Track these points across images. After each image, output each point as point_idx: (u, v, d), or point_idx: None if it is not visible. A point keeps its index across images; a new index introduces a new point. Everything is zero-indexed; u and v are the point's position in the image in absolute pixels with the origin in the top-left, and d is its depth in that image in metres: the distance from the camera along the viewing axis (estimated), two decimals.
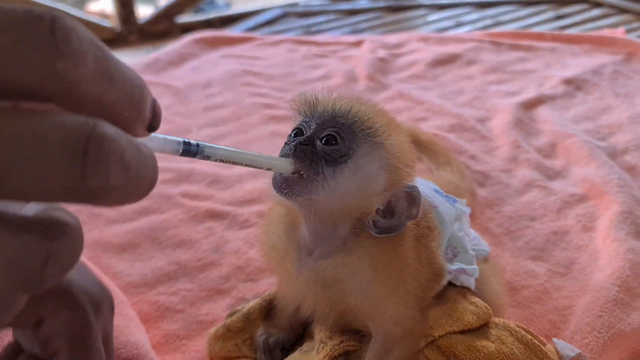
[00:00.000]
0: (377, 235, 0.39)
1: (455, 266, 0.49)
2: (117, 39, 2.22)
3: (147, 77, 1.11)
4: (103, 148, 0.18)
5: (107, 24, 2.39)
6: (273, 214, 0.46)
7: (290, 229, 0.43)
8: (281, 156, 0.37)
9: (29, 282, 0.19)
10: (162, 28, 2.27)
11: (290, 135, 0.40)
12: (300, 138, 0.38)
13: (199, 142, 0.29)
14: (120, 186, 0.19)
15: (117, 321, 0.52)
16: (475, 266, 0.51)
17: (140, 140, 0.22)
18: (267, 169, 0.34)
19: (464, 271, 0.50)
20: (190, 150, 0.29)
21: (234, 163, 0.31)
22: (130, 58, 1.37)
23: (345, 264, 0.41)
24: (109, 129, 0.19)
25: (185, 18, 2.44)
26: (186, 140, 0.28)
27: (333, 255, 0.41)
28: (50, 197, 0.19)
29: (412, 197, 0.39)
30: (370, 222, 0.39)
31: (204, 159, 0.30)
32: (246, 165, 0.32)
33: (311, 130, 0.38)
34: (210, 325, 0.57)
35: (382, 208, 0.39)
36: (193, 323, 0.59)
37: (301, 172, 0.37)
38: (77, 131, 0.18)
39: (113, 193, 0.19)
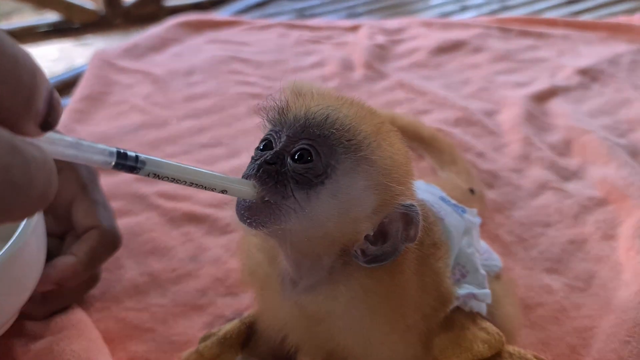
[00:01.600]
0: (366, 265, 0.33)
1: (464, 290, 0.44)
2: (101, 23, 2.13)
3: (124, 64, 1.03)
4: None
5: (91, 6, 2.26)
6: (249, 237, 0.39)
7: (269, 254, 0.37)
8: (244, 177, 0.31)
9: None
10: (149, 11, 2.18)
11: (257, 148, 0.33)
12: (267, 154, 0.31)
13: (139, 155, 0.24)
14: None
15: (77, 343, 0.48)
16: (487, 290, 0.45)
17: (38, 142, 0.18)
18: (221, 192, 0.27)
19: (474, 296, 0.44)
20: (125, 165, 0.23)
21: (182, 183, 0.25)
22: (116, 43, 1.29)
23: (333, 297, 0.35)
24: None
25: (173, 0, 2.36)
26: (122, 150, 0.23)
27: (318, 287, 0.35)
28: None
29: (409, 218, 0.32)
30: (358, 251, 0.33)
31: (147, 176, 0.25)
32: (197, 186, 0.25)
33: (281, 144, 0.32)
34: (183, 347, 0.51)
35: (372, 233, 0.33)
36: (164, 344, 0.53)
37: (266, 199, 0.30)
38: None
39: None
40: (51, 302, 0.50)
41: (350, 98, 0.35)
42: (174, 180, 0.26)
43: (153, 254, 0.64)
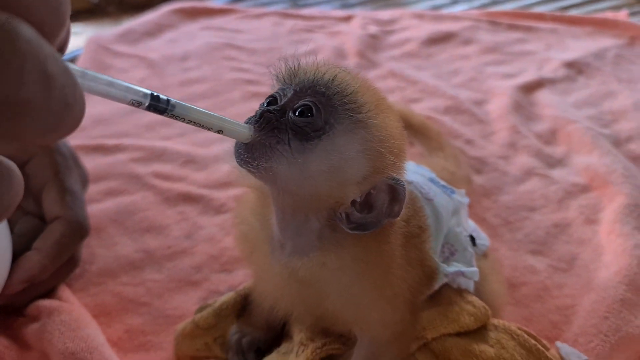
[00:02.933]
0: (349, 230, 0.34)
1: (452, 268, 0.45)
2: (94, 10, 2.09)
3: (120, 48, 1.03)
4: (17, 47, 0.14)
5: None
6: (245, 201, 0.40)
7: (262, 217, 0.38)
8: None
9: None
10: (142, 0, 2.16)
11: (262, 104, 0.34)
12: (270, 106, 0.33)
13: (170, 99, 0.26)
14: (39, 105, 0.15)
15: (66, 314, 0.48)
16: (475, 268, 0.46)
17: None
18: (218, 132, 0.28)
19: (462, 274, 0.45)
20: (158, 107, 0.25)
21: (196, 124, 0.27)
22: (109, 31, 1.29)
23: (322, 263, 0.35)
24: (28, 30, 0.15)
25: None
26: (155, 93, 0.25)
27: (309, 253, 0.36)
28: None
29: (396, 191, 0.33)
30: (343, 215, 0.34)
31: (172, 117, 0.26)
32: (200, 125, 0.27)
33: (286, 99, 0.33)
34: (178, 320, 0.52)
35: (359, 200, 0.33)
36: (160, 317, 0.54)
37: (262, 140, 0.31)
38: None
39: (29, 112, 0.15)
40: (29, 291, 0.50)
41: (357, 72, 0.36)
42: (191, 122, 0.27)
43: (148, 232, 0.64)
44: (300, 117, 0.32)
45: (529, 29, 1.20)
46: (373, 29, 1.18)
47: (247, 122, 0.32)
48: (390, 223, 0.36)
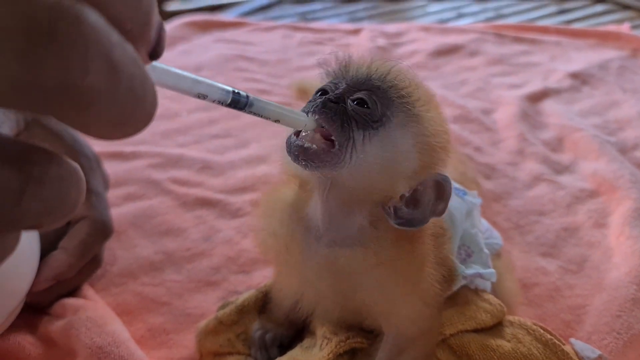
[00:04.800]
0: (396, 225, 0.34)
1: (471, 270, 0.46)
2: None
3: None
4: (81, 32, 0.13)
5: None
6: (274, 196, 0.40)
7: (296, 210, 0.38)
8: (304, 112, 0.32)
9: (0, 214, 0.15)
10: None
11: (314, 94, 0.34)
12: (329, 95, 0.32)
13: (249, 95, 0.26)
14: (105, 94, 0.14)
15: (92, 311, 0.49)
16: (492, 270, 0.47)
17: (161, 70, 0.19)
18: (275, 121, 0.28)
19: (480, 275, 0.46)
20: (239, 101, 0.25)
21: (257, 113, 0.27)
22: None
23: (362, 258, 0.36)
24: (93, 15, 0.14)
25: (174, 5, 2.38)
26: (236, 90, 0.25)
27: (350, 245, 0.36)
28: None
29: (442, 188, 0.33)
30: (392, 209, 0.34)
31: (250, 113, 0.27)
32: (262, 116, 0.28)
33: (340, 90, 0.33)
34: (199, 319, 0.53)
35: (407, 195, 0.33)
36: (180, 316, 0.55)
37: (331, 137, 0.31)
38: (44, 7, 0.13)
39: (95, 101, 0.14)
40: (55, 290, 0.51)
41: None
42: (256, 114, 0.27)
43: (167, 235, 0.66)
44: (360, 106, 0.32)
45: (533, 42, 1.23)
46: (381, 41, 1.20)
47: (305, 111, 0.32)
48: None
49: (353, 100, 0.32)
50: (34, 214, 0.15)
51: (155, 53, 0.18)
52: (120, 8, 0.16)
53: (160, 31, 0.18)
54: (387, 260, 0.36)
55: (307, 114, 0.32)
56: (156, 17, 0.17)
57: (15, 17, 0.13)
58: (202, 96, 0.23)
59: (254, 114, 0.27)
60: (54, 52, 0.13)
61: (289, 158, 0.32)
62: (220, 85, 0.24)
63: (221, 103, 0.25)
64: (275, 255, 0.42)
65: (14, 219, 0.15)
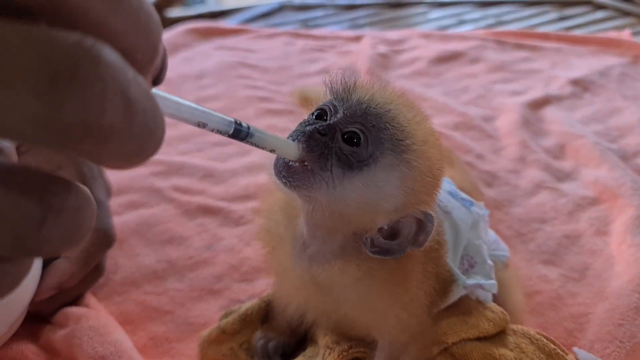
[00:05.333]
0: (371, 254, 0.34)
1: (472, 281, 0.45)
2: None
3: None
4: (100, 73, 0.14)
5: None
6: (273, 197, 0.41)
7: (289, 216, 0.38)
8: (291, 138, 0.32)
9: (21, 243, 0.15)
10: None
11: (311, 114, 0.34)
12: (320, 124, 0.32)
13: (250, 125, 0.26)
14: (121, 129, 0.15)
15: (94, 320, 0.49)
16: (493, 281, 0.47)
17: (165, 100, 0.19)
18: (271, 151, 0.29)
19: (481, 286, 0.46)
20: (241, 131, 0.25)
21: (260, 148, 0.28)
22: None
23: (343, 271, 0.36)
24: (111, 54, 0.14)
25: (175, 12, 2.39)
26: (238, 121, 0.25)
27: (330, 259, 0.36)
28: (16, 133, 0.14)
29: (423, 225, 0.33)
30: (368, 240, 0.34)
31: (249, 143, 0.27)
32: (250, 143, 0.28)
33: (336, 119, 0.33)
34: (201, 328, 0.53)
35: (385, 228, 0.34)
36: (183, 325, 0.55)
37: (306, 163, 0.31)
38: (65, 48, 0.14)
39: (112, 137, 0.14)
40: (57, 298, 0.51)
41: (411, 101, 0.36)
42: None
43: (170, 243, 0.66)
44: (348, 143, 0.32)
45: (534, 48, 1.23)
46: (382, 48, 1.20)
47: (294, 137, 0.32)
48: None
49: (344, 134, 0.32)
50: (53, 242, 0.16)
51: (158, 79, 0.19)
52: (133, 40, 0.16)
53: (164, 57, 0.19)
54: (370, 272, 0.36)
55: (293, 140, 0.32)
56: (162, 45, 0.18)
57: (38, 57, 0.13)
58: (202, 125, 0.23)
59: (252, 144, 0.27)
60: (74, 91, 0.14)
61: (274, 177, 0.32)
62: (222, 115, 0.24)
63: (221, 132, 0.24)
64: (268, 254, 0.43)
65: (34, 247, 0.16)
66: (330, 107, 0.34)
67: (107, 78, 0.14)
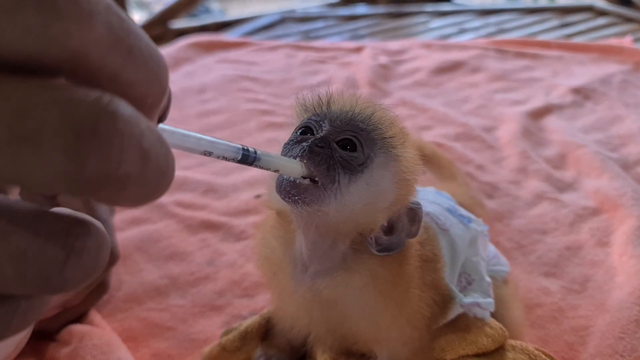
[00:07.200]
0: (377, 253, 0.36)
1: (469, 299, 0.45)
2: None
3: None
4: (117, 128, 0.15)
5: None
6: (266, 224, 0.41)
7: (285, 241, 0.39)
8: (288, 156, 0.33)
9: (46, 283, 0.17)
10: (155, 33, 2.22)
11: (295, 132, 0.35)
12: (314, 139, 0.33)
13: (256, 150, 0.27)
14: (137, 177, 0.16)
15: (98, 338, 0.50)
16: (490, 300, 0.47)
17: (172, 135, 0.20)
18: (275, 171, 0.29)
19: (478, 305, 0.46)
20: (248, 157, 0.26)
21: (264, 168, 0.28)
22: None
23: (346, 283, 0.37)
24: (127, 108, 0.16)
25: (180, 23, 2.41)
26: (245, 147, 0.26)
27: (332, 272, 0.37)
28: (43, 186, 0.15)
29: (414, 213, 0.36)
30: (373, 240, 0.36)
31: (256, 167, 0.27)
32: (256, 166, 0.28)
33: (325, 131, 0.34)
34: (203, 344, 0.53)
35: (384, 224, 0.35)
36: (185, 341, 0.55)
37: (316, 179, 0.32)
38: (86, 107, 0.15)
39: (129, 185, 0.16)
40: (62, 316, 0.52)
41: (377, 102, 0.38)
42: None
43: (172, 259, 0.67)
44: (345, 150, 0.33)
45: (535, 57, 1.23)
46: (383, 59, 1.21)
47: (294, 156, 0.32)
48: (408, 246, 0.38)
49: (338, 143, 0.33)
50: (74, 280, 0.17)
51: (163, 117, 0.20)
52: (145, 88, 0.17)
53: (169, 96, 0.20)
54: (372, 280, 0.37)
55: (294, 157, 0.32)
56: (168, 87, 0.19)
57: (63, 116, 0.15)
58: (207, 153, 0.24)
59: (259, 167, 0.27)
60: (96, 147, 0.15)
61: (277, 196, 0.33)
62: (229, 143, 0.25)
63: (226, 158, 0.25)
64: (269, 280, 0.43)
65: (57, 286, 0.17)
66: (313, 123, 0.35)
67: (124, 132, 0.15)
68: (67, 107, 0.15)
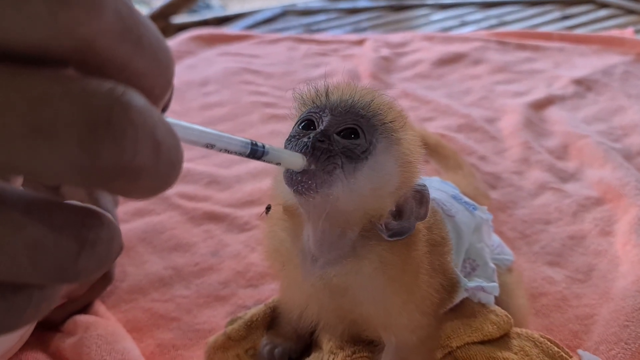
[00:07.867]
0: (389, 239, 0.36)
1: (473, 283, 0.46)
2: None
3: None
4: (131, 119, 0.15)
5: None
6: (273, 217, 0.41)
7: (293, 233, 0.39)
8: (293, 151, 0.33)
9: (60, 273, 0.17)
10: (157, 27, 2.21)
11: (296, 125, 0.35)
12: (315, 133, 0.33)
13: (265, 144, 0.27)
14: (150, 168, 0.16)
15: (102, 329, 0.50)
16: (495, 283, 0.47)
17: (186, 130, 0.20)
18: (277, 164, 0.29)
19: (482, 289, 0.46)
20: (257, 152, 0.26)
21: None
22: None
23: (356, 270, 0.37)
24: (140, 99, 0.16)
25: (181, 18, 2.40)
26: (254, 141, 0.25)
27: (342, 260, 0.37)
28: (57, 177, 0.15)
29: (422, 195, 0.36)
30: (383, 225, 0.35)
31: (264, 161, 0.27)
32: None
33: (325, 123, 0.34)
34: (208, 334, 0.54)
35: (393, 209, 0.35)
36: (189, 332, 0.55)
37: (318, 169, 0.32)
38: (99, 98, 0.15)
39: (141, 176, 0.16)
40: (66, 307, 0.52)
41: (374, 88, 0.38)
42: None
43: (176, 250, 0.67)
44: (347, 139, 0.33)
45: (537, 48, 1.23)
46: (385, 51, 1.21)
47: (292, 148, 0.33)
48: (416, 231, 0.38)
49: (340, 132, 0.34)
50: (87, 271, 0.18)
51: (166, 107, 0.20)
52: (153, 79, 0.17)
53: (172, 87, 0.20)
54: (382, 266, 0.37)
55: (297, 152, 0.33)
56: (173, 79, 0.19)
57: (77, 107, 0.14)
58: (209, 146, 0.23)
59: (266, 161, 0.27)
60: (110, 138, 0.15)
61: (284, 191, 0.33)
62: (237, 137, 0.24)
63: (236, 153, 0.25)
64: (278, 271, 0.43)
65: (70, 277, 0.17)
66: (314, 115, 0.35)
67: (138, 123, 0.15)
68: (81, 98, 0.15)
